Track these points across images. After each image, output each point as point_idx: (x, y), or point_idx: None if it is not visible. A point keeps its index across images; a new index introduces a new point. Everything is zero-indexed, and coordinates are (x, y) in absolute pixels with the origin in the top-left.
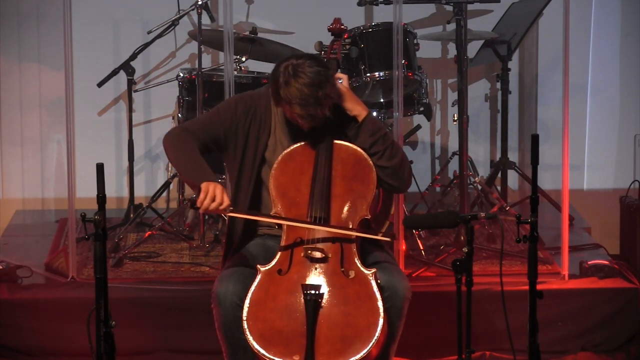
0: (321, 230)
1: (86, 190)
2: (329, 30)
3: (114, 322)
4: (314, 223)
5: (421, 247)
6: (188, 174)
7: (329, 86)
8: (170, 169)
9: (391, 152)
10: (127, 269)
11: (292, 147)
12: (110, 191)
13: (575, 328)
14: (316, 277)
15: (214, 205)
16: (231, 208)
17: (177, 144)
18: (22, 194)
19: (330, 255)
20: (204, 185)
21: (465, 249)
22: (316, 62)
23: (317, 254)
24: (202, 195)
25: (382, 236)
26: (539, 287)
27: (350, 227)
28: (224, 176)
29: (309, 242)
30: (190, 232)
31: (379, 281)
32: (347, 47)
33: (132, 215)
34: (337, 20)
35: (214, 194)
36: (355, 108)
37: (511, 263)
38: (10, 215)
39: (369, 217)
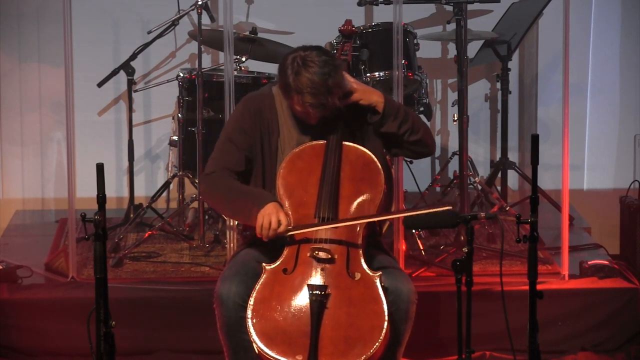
0: (328, 231)
1: (86, 190)
2: (340, 31)
3: (114, 322)
4: (322, 223)
5: (421, 247)
6: (238, 213)
7: (339, 75)
8: (170, 168)
9: (418, 125)
10: (127, 269)
11: (300, 147)
12: (110, 191)
13: (575, 328)
14: (322, 278)
15: (272, 232)
16: (290, 227)
17: (213, 190)
18: (22, 194)
19: (336, 257)
20: (259, 216)
21: (465, 249)
22: (324, 52)
23: (324, 255)
24: (257, 229)
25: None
26: (539, 287)
27: (357, 229)
28: None
29: (315, 242)
30: (190, 232)
31: (383, 284)
32: (358, 48)
33: (132, 215)
34: (348, 22)
35: (269, 221)
36: (371, 99)
37: (511, 263)
38: (10, 215)
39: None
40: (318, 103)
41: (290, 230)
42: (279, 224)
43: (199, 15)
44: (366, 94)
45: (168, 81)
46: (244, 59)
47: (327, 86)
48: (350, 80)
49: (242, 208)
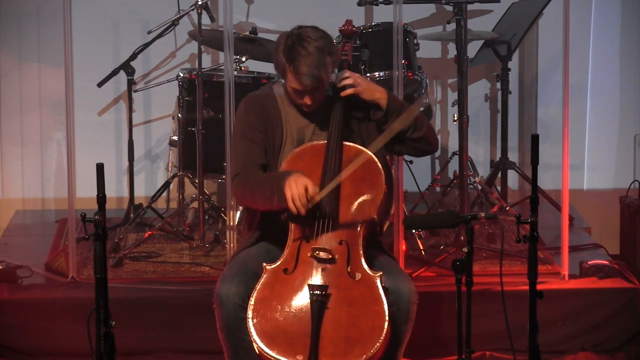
0: (329, 231)
1: (86, 190)
2: (340, 31)
3: (114, 322)
4: (323, 223)
5: (421, 247)
6: (269, 198)
7: (333, 48)
8: (170, 168)
9: (421, 122)
10: (127, 269)
11: (301, 147)
12: (110, 191)
13: (575, 328)
14: (322, 278)
15: (303, 200)
16: (319, 191)
17: (241, 187)
18: (22, 194)
19: (337, 257)
20: (286, 190)
21: (465, 249)
22: (318, 29)
23: (324, 255)
24: (289, 202)
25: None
26: (539, 287)
27: (358, 229)
28: (223, 176)
29: (316, 242)
30: (190, 232)
31: (383, 284)
32: (359, 48)
33: (132, 215)
34: (348, 22)
35: (296, 190)
36: (374, 95)
37: (511, 263)
38: (10, 215)
39: (376, 219)
40: (311, 74)
41: (321, 194)
42: (307, 190)
43: (199, 15)
44: (369, 90)
45: (168, 81)
46: (244, 59)
47: (321, 57)
48: (355, 76)
49: (270, 189)
